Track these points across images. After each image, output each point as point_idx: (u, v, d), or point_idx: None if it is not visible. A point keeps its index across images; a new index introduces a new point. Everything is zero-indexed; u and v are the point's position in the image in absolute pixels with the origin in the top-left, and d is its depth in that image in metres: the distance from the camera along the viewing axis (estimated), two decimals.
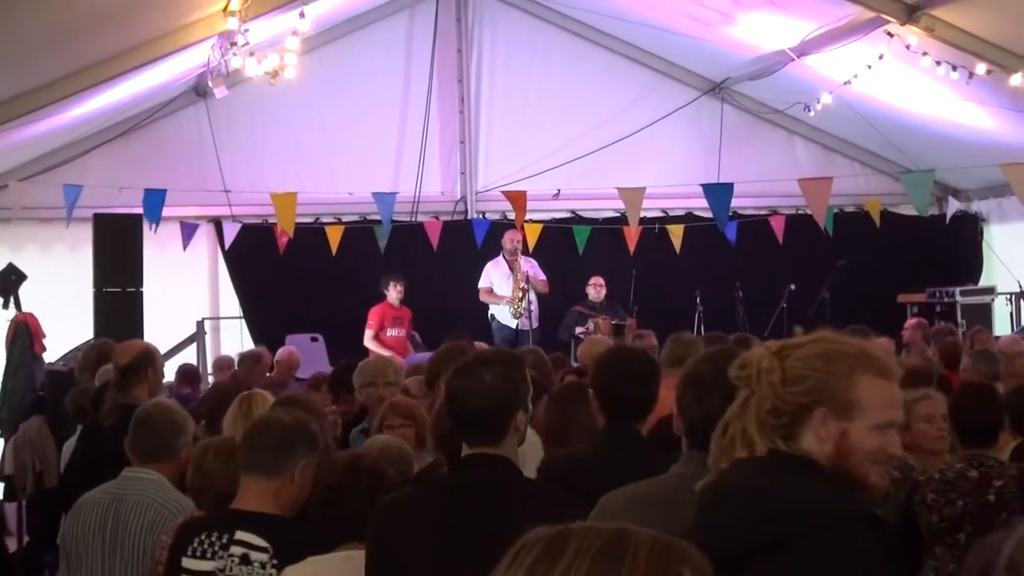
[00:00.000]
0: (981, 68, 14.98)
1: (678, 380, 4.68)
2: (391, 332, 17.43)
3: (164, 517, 6.33)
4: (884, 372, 3.59)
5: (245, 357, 13.83)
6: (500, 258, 18.44)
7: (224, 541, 5.27)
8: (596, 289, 18.37)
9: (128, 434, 6.90)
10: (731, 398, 3.72)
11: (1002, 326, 19.03)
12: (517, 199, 18.10)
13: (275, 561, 5.16)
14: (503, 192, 18.49)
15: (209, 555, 5.28)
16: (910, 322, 15.84)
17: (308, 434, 5.55)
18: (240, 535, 5.25)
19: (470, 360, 4.99)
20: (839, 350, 3.58)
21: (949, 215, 20.57)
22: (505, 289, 18.17)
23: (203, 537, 5.33)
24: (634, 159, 19.69)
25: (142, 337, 15.24)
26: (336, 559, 5.01)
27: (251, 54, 14.05)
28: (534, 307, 18.00)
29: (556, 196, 19.78)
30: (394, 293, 17.61)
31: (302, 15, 13.15)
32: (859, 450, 3.52)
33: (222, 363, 15.14)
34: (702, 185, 18.28)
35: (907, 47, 15.19)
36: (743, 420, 3.59)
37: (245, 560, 5.21)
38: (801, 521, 3.34)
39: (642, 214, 18.81)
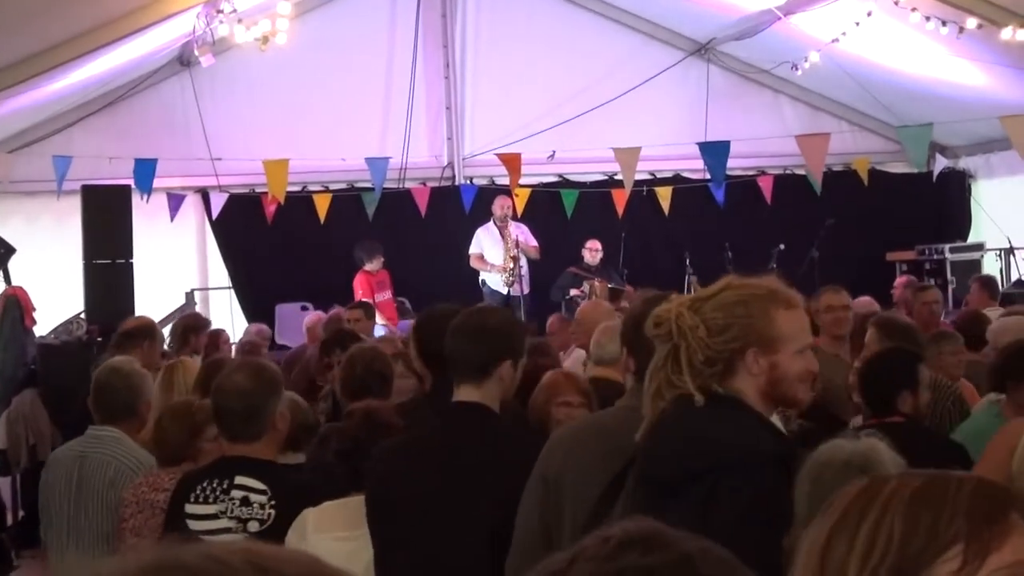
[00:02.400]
0: (972, 23, 14.87)
1: (623, 321, 5.31)
2: (378, 298, 17.39)
3: (124, 473, 6.75)
4: (792, 303, 4.02)
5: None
6: (491, 224, 18.39)
7: (225, 486, 5.66)
8: (592, 253, 18.40)
9: (90, 395, 7.30)
10: None
11: None
12: (511, 162, 18.05)
13: (273, 502, 5.60)
14: (497, 155, 18.45)
15: (212, 499, 5.68)
16: (900, 280, 15.86)
17: (271, 383, 5.94)
18: (240, 480, 5.66)
19: (474, 308, 5.64)
20: (752, 293, 3.96)
21: (936, 172, 20.56)
22: (496, 256, 18.14)
23: (204, 484, 5.73)
24: (621, 122, 19.51)
25: (134, 308, 15.28)
26: (353, 502, 5.40)
27: (239, 21, 13.94)
28: (524, 272, 17.98)
29: (551, 158, 19.60)
30: (377, 264, 17.63)
31: None
32: (789, 376, 3.95)
33: (262, 333, 14.97)
34: (698, 144, 18.33)
35: (895, 3, 15.10)
36: (666, 371, 3.89)
37: (245, 502, 5.62)
38: (730, 456, 3.74)
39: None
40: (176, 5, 13.96)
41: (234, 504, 5.64)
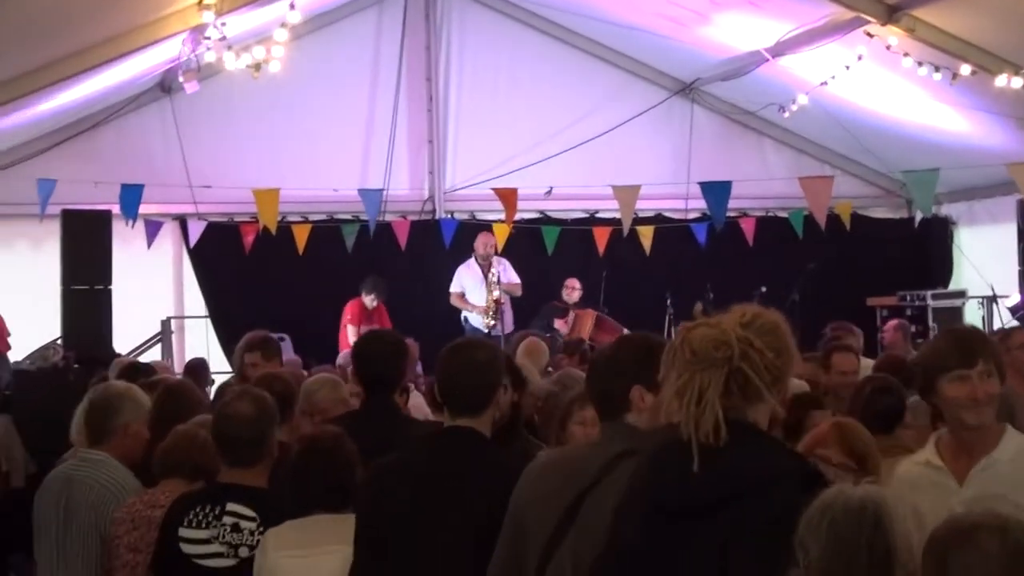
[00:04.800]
0: (966, 69, 14.83)
1: (592, 359, 5.73)
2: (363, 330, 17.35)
3: (105, 498, 6.88)
4: None
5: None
6: (472, 261, 18.26)
7: (217, 512, 5.97)
8: (570, 291, 18.24)
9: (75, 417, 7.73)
10: (638, 378, 4.52)
11: None
12: (507, 197, 17.92)
13: (262, 528, 5.88)
14: (494, 189, 18.31)
15: (204, 524, 5.98)
16: (891, 323, 15.70)
17: (272, 412, 6.30)
18: (231, 507, 5.97)
19: (461, 342, 5.80)
20: (780, 320, 4.17)
21: (919, 218, 20.53)
22: (477, 295, 18.04)
23: (197, 509, 6.01)
24: (603, 160, 19.47)
25: (111, 336, 15.10)
26: (308, 522, 5.74)
27: (229, 48, 13.75)
28: (506, 307, 17.85)
29: (548, 194, 19.70)
30: (367, 300, 17.55)
31: (292, 6, 12.87)
32: (786, 398, 4.35)
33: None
34: (700, 183, 18.25)
35: (887, 48, 15.05)
36: (716, 393, 3.93)
37: (236, 528, 5.95)
38: (762, 478, 3.88)
39: (611, 215, 18.74)
40: (165, 30, 13.82)
41: (225, 530, 5.93)
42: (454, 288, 18.31)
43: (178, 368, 17.00)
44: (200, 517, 5.98)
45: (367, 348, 7.24)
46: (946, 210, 21.21)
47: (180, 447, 6.75)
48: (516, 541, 4.90)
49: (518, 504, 4.94)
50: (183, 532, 5.99)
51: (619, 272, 19.03)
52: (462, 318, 18.26)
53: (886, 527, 3.74)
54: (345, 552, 5.49)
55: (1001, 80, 14.75)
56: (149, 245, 17.66)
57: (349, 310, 17.69)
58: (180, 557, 5.99)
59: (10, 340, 15.02)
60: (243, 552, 5.89)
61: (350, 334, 17.13)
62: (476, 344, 5.75)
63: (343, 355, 15.18)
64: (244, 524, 5.92)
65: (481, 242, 18.15)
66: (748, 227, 19.53)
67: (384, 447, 5.74)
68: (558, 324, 17.68)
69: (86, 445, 7.28)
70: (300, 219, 18.64)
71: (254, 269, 18.38)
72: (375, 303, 17.71)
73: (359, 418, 7.06)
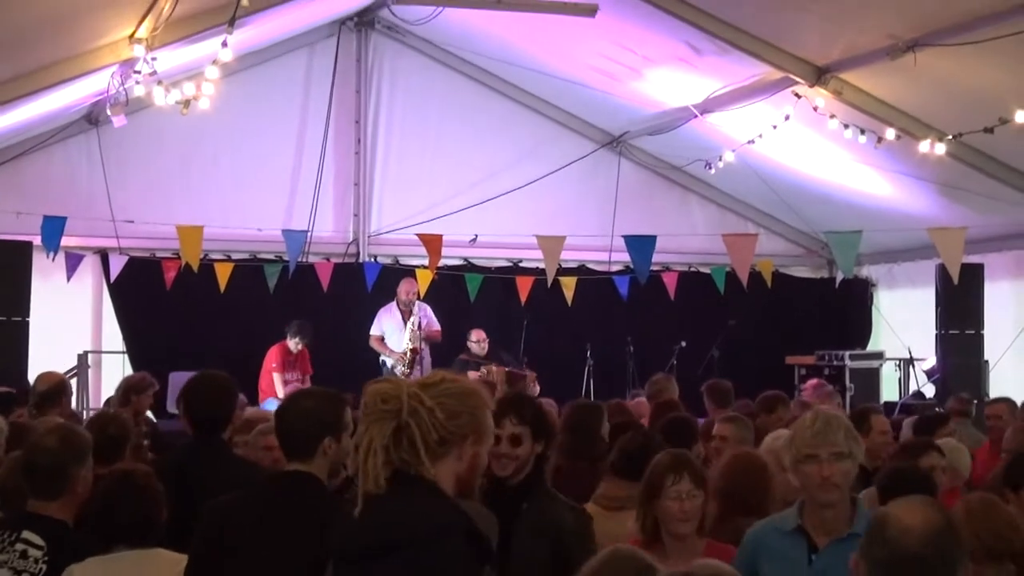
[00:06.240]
0: (890, 133, 14.99)
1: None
2: (287, 376, 17.28)
3: None
4: (491, 405, 4.43)
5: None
6: (393, 305, 18.21)
7: (12, 538, 6.11)
8: (477, 345, 18.12)
9: None
10: None
11: (890, 391, 19.11)
12: (432, 243, 17.88)
13: (47, 558, 6.04)
14: (418, 235, 18.25)
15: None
16: (811, 382, 15.74)
17: (79, 448, 6.40)
18: (25, 534, 6.11)
19: (301, 390, 6.37)
20: (473, 388, 4.37)
21: (840, 279, 20.70)
22: (396, 340, 17.99)
23: None
24: (529, 209, 19.51)
25: (27, 368, 14.92)
26: (115, 558, 5.87)
27: (159, 83, 13.67)
28: (425, 354, 17.79)
29: (473, 242, 19.67)
30: (291, 344, 17.44)
31: (224, 44, 12.80)
32: (480, 467, 4.47)
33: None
34: (624, 237, 18.27)
35: (814, 109, 15.20)
36: (390, 448, 4.16)
37: (23, 555, 6.07)
38: (421, 530, 4.11)
39: (534, 265, 18.75)
40: (95, 62, 13.72)
41: (15, 556, 6.07)
42: (374, 331, 18.27)
43: (94, 403, 16.94)
44: None
45: (197, 389, 7.38)
46: (867, 272, 21.45)
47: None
48: None
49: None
50: None
51: (540, 322, 19.06)
52: (380, 361, 18.19)
53: None
54: None
55: (925, 146, 14.90)
56: (69, 278, 17.45)
57: (274, 356, 17.57)
58: None
59: None
60: None
61: (276, 381, 17.10)
62: (311, 393, 6.07)
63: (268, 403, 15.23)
64: (32, 552, 6.06)
65: (404, 288, 18.11)
66: (670, 281, 19.59)
67: (212, 487, 5.94)
68: (472, 376, 17.58)
69: None
70: (223, 257, 18.53)
71: (174, 306, 18.22)
72: (299, 347, 17.61)
73: (186, 457, 7.30)
